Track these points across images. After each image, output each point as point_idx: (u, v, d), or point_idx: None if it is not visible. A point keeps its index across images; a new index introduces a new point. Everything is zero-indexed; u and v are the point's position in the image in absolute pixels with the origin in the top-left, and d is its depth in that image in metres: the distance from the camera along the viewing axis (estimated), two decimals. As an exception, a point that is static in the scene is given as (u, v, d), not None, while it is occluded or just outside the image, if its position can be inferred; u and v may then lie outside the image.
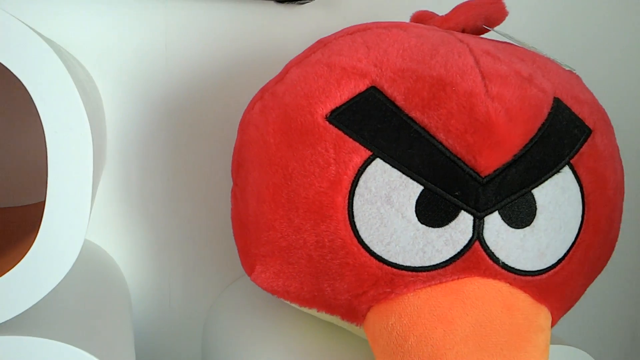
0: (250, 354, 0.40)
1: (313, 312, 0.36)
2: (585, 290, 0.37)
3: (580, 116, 0.33)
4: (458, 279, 0.30)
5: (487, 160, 0.29)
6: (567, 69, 0.36)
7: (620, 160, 0.36)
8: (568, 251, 0.32)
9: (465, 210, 0.30)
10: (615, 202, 0.34)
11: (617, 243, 0.62)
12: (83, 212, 0.26)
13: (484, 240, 0.30)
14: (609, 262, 0.61)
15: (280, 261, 0.33)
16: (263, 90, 0.36)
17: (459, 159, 0.29)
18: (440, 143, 0.29)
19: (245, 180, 0.35)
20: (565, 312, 0.35)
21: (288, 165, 0.32)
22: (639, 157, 0.59)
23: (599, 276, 0.60)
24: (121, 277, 0.48)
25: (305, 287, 0.34)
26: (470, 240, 0.30)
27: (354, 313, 0.33)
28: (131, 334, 0.43)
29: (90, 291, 0.41)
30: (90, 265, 0.45)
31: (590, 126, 0.33)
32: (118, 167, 0.47)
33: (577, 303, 0.60)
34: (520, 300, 0.31)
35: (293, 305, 0.37)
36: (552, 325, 0.34)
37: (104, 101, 0.47)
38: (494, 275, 0.30)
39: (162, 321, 0.50)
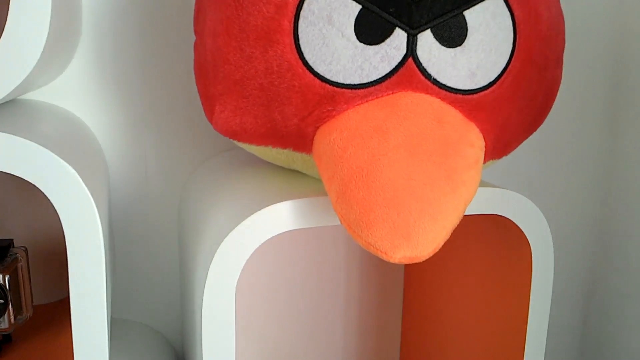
0: (219, 208, 0.43)
1: (269, 151, 0.39)
2: (522, 134, 0.39)
3: None
4: (393, 93, 0.33)
5: (419, -23, 0.31)
6: None
7: (559, 7, 0.38)
8: (499, 76, 0.34)
9: (399, 27, 0.32)
10: (549, 41, 0.36)
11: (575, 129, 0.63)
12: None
13: (417, 57, 0.32)
14: (578, 161, 0.63)
15: (235, 97, 0.36)
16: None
17: (393, -24, 0.31)
18: None
19: (203, 22, 0.37)
20: (499, 145, 0.37)
21: (239, -4, 0.34)
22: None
23: (568, 171, 0.63)
24: (98, 146, 0.51)
25: (259, 121, 0.36)
26: (404, 57, 0.32)
27: (303, 140, 0.36)
28: (107, 185, 0.46)
29: (72, 145, 0.43)
30: (69, 130, 0.47)
31: (527, -34, 0.35)
32: (93, 43, 0.50)
33: (549, 198, 0.63)
34: (451, 115, 0.33)
35: (251, 150, 0.40)
36: (487, 157, 0.36)
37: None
38: (426, 90, 0.33)
39: (139, 192, 0.53)
